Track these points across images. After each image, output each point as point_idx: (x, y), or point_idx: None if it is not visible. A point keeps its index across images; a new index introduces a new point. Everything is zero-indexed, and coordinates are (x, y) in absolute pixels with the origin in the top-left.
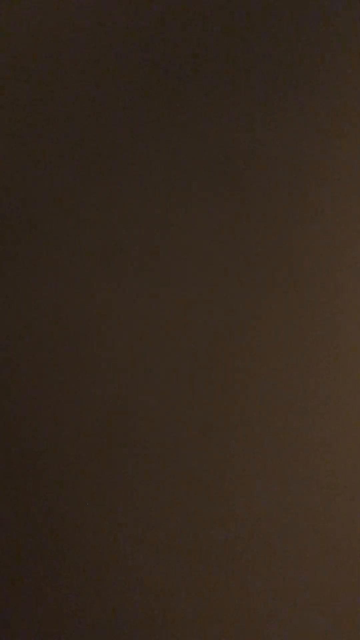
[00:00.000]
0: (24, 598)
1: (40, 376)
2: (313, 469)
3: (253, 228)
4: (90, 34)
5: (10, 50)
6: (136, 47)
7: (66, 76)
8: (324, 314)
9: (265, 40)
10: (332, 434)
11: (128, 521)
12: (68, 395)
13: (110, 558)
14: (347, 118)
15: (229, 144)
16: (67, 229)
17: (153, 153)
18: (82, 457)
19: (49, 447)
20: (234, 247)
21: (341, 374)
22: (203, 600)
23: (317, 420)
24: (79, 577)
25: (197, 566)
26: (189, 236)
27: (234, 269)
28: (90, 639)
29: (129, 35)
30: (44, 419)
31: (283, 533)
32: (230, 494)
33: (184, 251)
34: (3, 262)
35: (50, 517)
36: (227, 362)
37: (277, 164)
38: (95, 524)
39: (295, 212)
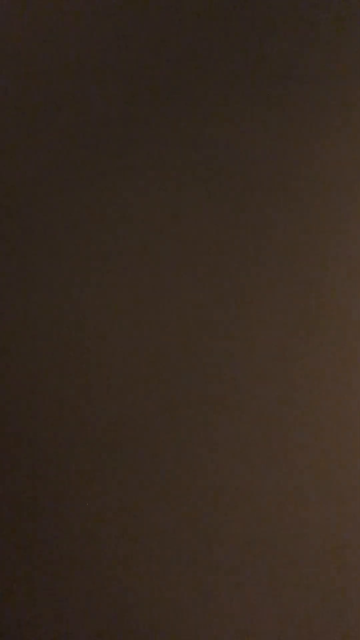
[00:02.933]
0: (23, 599)
1: (39, 376)
2: (313, 469)
3: (251, 226)
4: (91, 35)
5: (10, 50)
6: (136, 47)
7: (66, 77)
8: (323, 314)
9: (264, 42)
10: (333, 435)
11: (127, 523)
12: (66, 397)
13: (108, 559)
14: (344, 119)
15: (227, 144)
16: (64, 231)
17: (151, 153)
18: (81, 458)
19: (47, 449)
20: (232, 246)
21: (341, 379)
22: (202, 601)
23: (317, 419)
24: (77, 577)
25: (196, 568)
26: (188, 235)
27: (232, 269)
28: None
29: (129, 36)
30: (43, 420)
31: (282, 533)
32: (228, 496)
33: (183, 250)
34: (1, 263)
35: (49, 518)
36: (226, 364)
37: (275, 162)
38: (94, 524)
39: (293, 209)
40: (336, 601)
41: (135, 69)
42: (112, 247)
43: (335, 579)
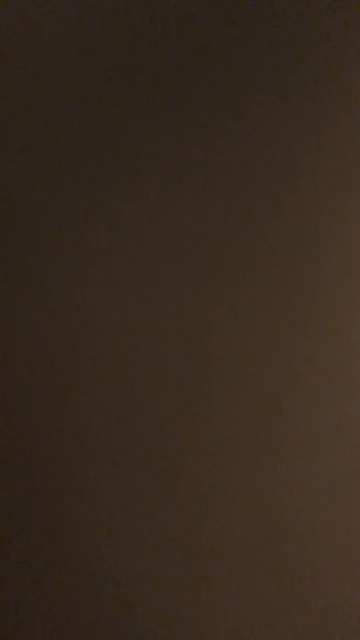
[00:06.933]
0: (22, 597)
1: (39, 372)
2: (308, 467)
3: (250, 227)
4: (91, 34)
5: (11, 49)
6: (136, 45)
7: (67, 76)
8: (322, 313)
9: (265, 41)
10: (330, 439)
11: (128, 527)
12: (66, 396)
13: (108, 558)
14: (346, 115)
15: (226, 142)
16: (64, 228)
17: (150, 151)
18: (82, 458)
19: (48, 451)
20: (231, 245)
21: (339, 376)
22: (201, 603)
23: (314, 420)
24: (77, 577)
25: (196, 572)
26: (186, 234)
27: (231, 267)
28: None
29: (130, 35)
30: (43, 419)
31: (283, 535)
32: (226, 494)
33: (181, 249)
34: (1, 261)
35: (49, 520)
36: (224, 364)
37: (273, 161)
38: (95, 528)
39: (292, 209)
40: (335, 601)
41: (133, 63)
42: (110, 246)
43: (335, 579)
